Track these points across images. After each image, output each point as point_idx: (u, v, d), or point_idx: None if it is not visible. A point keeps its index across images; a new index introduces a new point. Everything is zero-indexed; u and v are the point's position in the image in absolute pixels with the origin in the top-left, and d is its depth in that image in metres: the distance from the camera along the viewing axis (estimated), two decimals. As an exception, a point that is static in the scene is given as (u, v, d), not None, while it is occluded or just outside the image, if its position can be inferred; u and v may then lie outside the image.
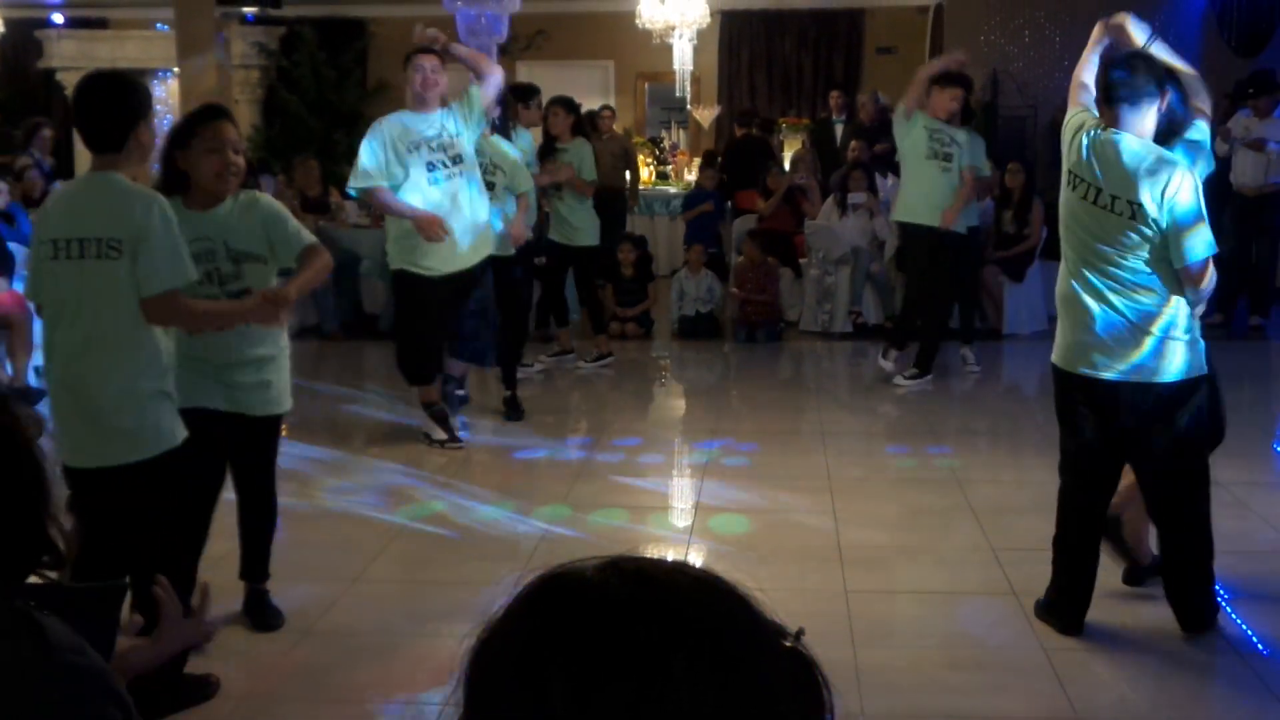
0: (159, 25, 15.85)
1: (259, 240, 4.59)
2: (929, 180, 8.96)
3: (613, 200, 13.20)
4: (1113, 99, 4.61)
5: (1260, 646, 4.68)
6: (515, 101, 9.02)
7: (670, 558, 1.04)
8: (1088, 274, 4.62)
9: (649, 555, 1.01)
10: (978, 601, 5.23)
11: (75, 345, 4.00)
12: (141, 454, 4.02)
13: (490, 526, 6.34)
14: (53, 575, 1.50)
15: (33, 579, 1.55)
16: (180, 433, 4.14)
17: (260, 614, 5.00)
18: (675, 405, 9.68)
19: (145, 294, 3.96)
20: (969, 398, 9.21)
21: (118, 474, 4.01)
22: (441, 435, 7.50)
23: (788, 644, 0.98)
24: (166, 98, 16.50)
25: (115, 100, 4.10)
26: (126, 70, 5.46)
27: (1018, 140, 14.08)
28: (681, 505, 6.77)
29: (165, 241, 3.98)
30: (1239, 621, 4.85)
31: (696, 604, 0.96)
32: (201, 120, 4.56)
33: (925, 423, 8.33)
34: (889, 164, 12.36)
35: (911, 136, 8.93)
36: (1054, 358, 4.82)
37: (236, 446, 4.80)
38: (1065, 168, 4.77)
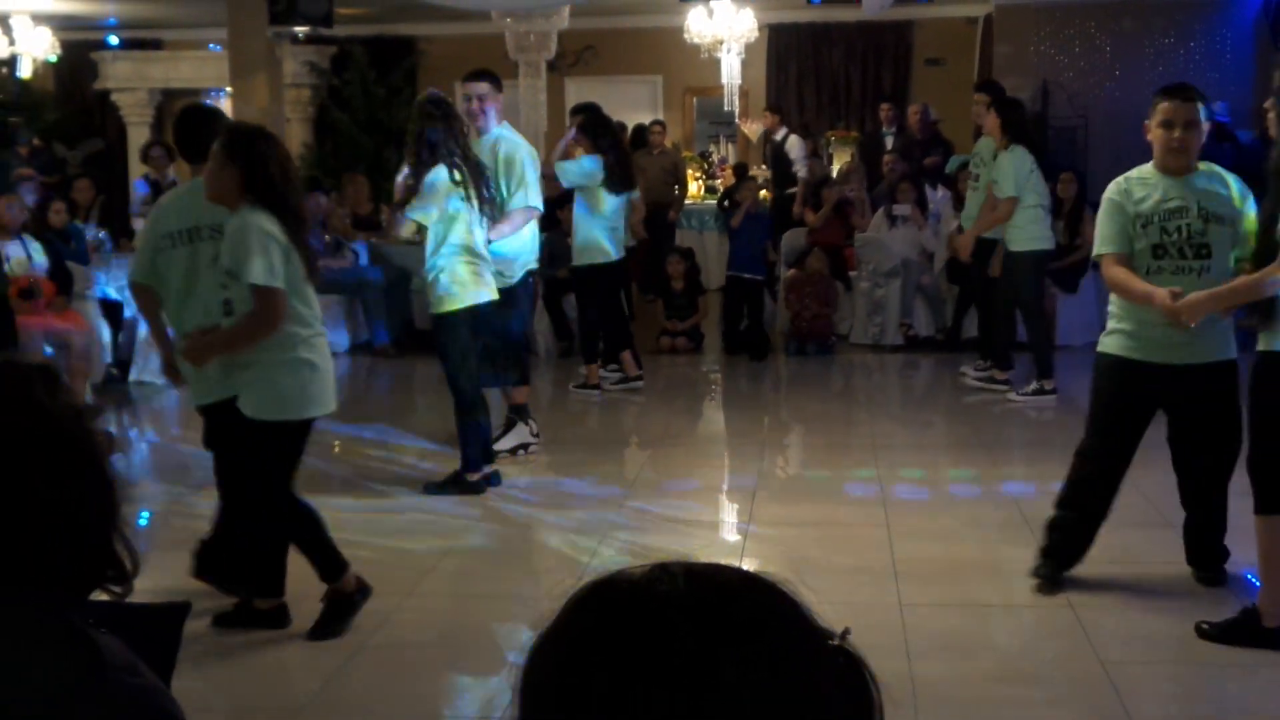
0: (212, 46, 16.02)
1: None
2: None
3: (662, 215, 13.25)
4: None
5: (1322, 660, 4.62)
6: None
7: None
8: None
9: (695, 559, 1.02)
10: (1033, 614, 5.19)
11: None
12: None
13: (542, 540, 6.35)
14: (117, 591, 1.52)
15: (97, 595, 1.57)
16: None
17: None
18: (726, 419, 9.66)
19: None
20: (1022, 409, 9.14)
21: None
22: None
23: (834, 643, 0.98)
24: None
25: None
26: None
27: (1069, 150, 13.99)
28: (733, 519, 6.76)
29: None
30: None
31: (745, 601, 0.97)
32: None
33: (977, 435, 8.28)
34: (939, 176, 12.33)
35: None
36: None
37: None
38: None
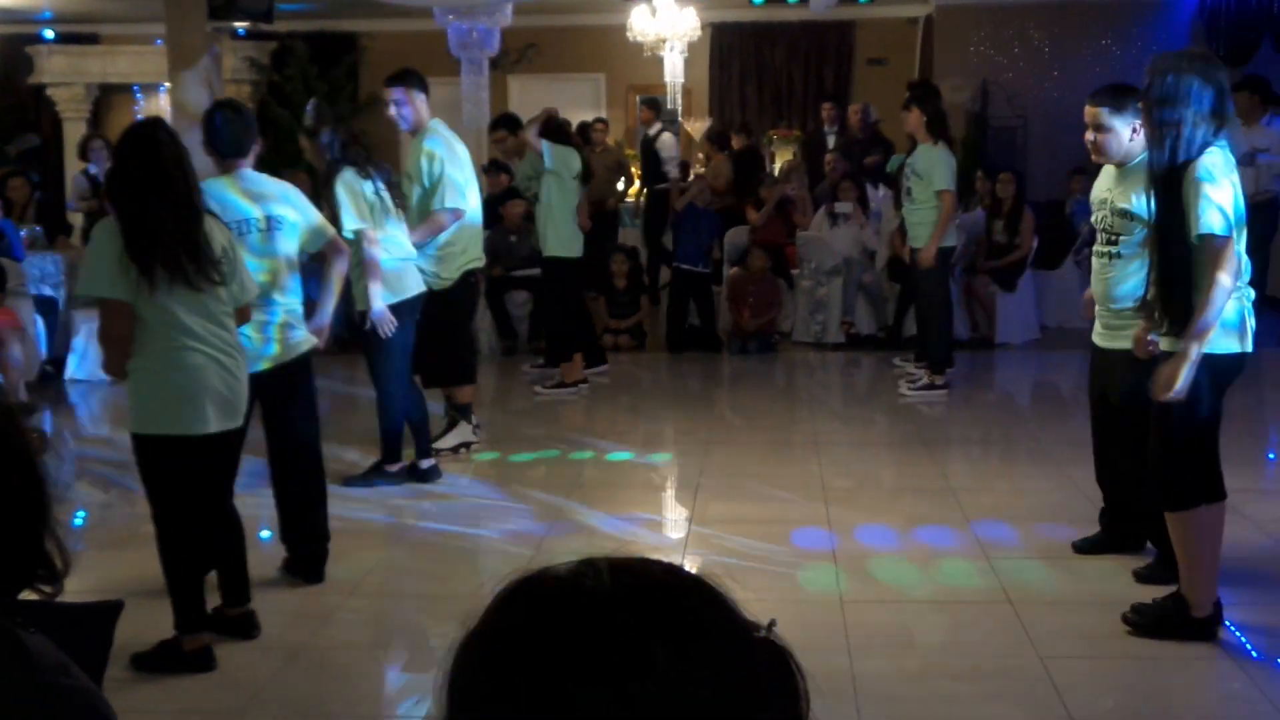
0: (158, 41, 15.86)
1: None
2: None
3: (605, 212, 13.25)
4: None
5: (1255, 653, 4.68)
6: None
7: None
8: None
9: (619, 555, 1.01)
10: (974, 609, 5.23)
11: None
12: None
13: (484, 540, 6.33)
14: (47, 590, 1.49)
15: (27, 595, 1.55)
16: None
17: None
18: (669, 416, 9.65)
19: None
20: (962, 408, 9.22)
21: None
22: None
23: (761, 635, 0.98)
24: (157, 113, 16.53)
25: None
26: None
27: (1008, 150, 14.12)
28: (675, 516, 6.76)
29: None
30: (1234, 629, 4.86)
31: (673, 592, 0.96)
32: None
33: (918, 433, 8.33)
34: (880, 175, 12.40)
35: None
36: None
37: None
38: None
